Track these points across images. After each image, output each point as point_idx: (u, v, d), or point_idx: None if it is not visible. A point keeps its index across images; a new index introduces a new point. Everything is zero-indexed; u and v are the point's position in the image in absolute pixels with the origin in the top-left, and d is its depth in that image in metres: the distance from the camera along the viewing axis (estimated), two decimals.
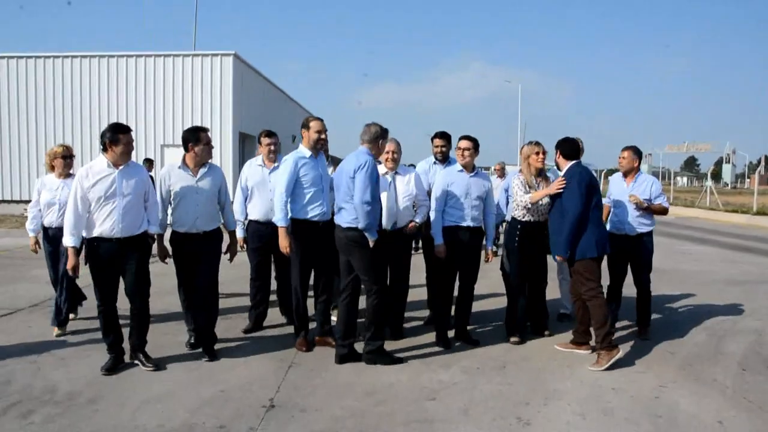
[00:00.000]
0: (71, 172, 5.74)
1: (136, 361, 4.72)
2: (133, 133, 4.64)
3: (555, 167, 5.75)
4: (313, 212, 5.07)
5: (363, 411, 3.98)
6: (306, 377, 4.59)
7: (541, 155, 5.45)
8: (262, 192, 5.80)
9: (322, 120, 5.23)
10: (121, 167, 4.53)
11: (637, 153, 5.96)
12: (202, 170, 5.00)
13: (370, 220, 4.68)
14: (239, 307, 6.58)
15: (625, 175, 5.95)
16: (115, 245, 4.52)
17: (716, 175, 52.48)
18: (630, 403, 4.19)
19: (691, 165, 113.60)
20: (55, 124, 18.32)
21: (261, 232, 5.79)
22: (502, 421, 3.86)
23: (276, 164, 5.83)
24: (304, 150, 5.18)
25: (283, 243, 5.06)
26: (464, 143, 5.48)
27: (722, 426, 3.84)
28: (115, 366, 4.62)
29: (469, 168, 5.47)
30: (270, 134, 5.95)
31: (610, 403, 4.18)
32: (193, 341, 5.21)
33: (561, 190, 5.12)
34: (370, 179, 4.65)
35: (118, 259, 4.55)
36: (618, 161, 6.02)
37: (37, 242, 5.87)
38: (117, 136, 4.48)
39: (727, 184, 56.67)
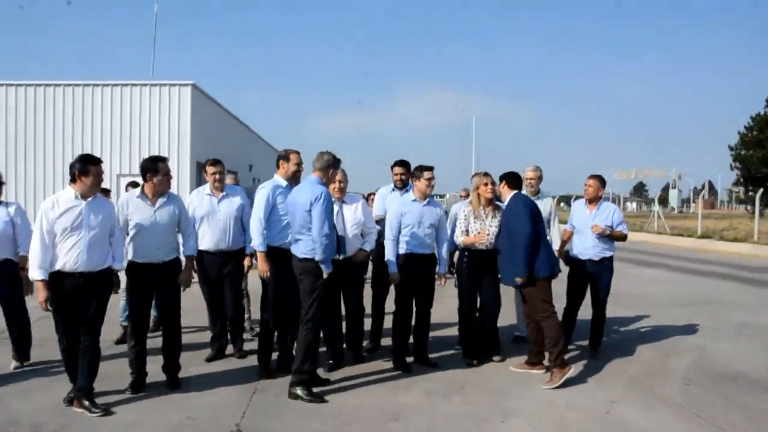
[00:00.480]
0: (1, 199, 5.50)
1: (80, 409, 4.39)
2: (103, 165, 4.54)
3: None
4: (288, 239, 5.16)
5: None
6: (271, 402, 4.68)
7: (490, 186, 5.69)
8: (212, 222, 5.80)
9: (299, 153, 5.42)
10: (89, 199, 4.44)
11: (602, 182, 6.22)
12: (161, 200, 4.98)
13: (328, 253, 4.77)
14: (202, 339, 6.55)
15: (590, 202, 6.22)
16: (78, 280, 4.38)
17: (663, 200, 54.22)
18: (583, 418, 4.42)
19: (640, 190, 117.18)
20: (7, 153, 17.90)
21: (212, 262, 5.81)
22: None
23: (224, 193, 5.88)
24: (280, 180, 5.36)
25: (263, 267, 5.18)
26: (430, 173, 5.65)
27: None
28: None
29: (423, 197, 5.69)
30: (215, 163, 5.93)
31: (565, 418, 4.40)
32: (133, 384, 4.92)
33: (484, 243, 5.55)
34: (326, 212, 4.73)
35: (80, 293, 4.41)
36: (584, 189, 6.23)
37: None
38: (87, 167, 4.39)
39: (674, 209, 58.55)
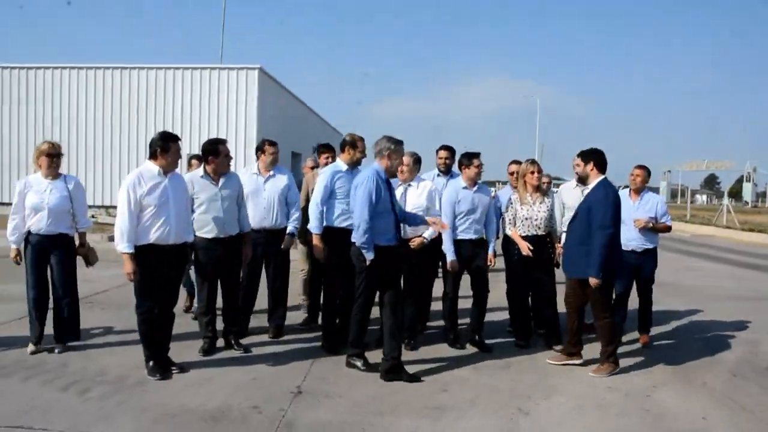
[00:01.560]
0: (60, 172, 5.36)
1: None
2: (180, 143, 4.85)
3: (576, 180, 6.09)
4: (347, 222, 5.37)
5: (382, 398, 4.46)
6: (329, 369, 5.07)
7: (536, 174, 5.83)
8: (257, 200, 5.89)
9: (364, 140, 5.63)
10: (169, 175, 4.73)
11: (649, 172, 6.24)
12: (223, 179, 5.35)
13: (367, 238, 4.77)
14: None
15: (635, 192, 6.22)
16: (167, 253, 4.65)
17: (737, 194, 52.21)
18: (622, 399, 4.61)
19: (711, 183, 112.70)
20: (78, 134, 18.78)
21: (255, 240, 5.80)
22: (504, 411, 4.31)
23: (270, 173, 6.00)
24: (341, 164, 5.63)
25: (319, 249, 5.50)
26: (479, 160, 5.86)
27: (705, 421, 4.25)
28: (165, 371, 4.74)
29: (473, 184, 5.88)
30: (273, 143, 6.07)
31: (605, 399, 4.61)
32: (206, 347, 5.34)
33: (530, 254, 5.67)
34: (368, 197, 4.75)
35: (165, 264, 4.67)
36: (632, 178, 6.20)
37: (19, 254, 5.25)
38: (168, 144, 4.66)
39: (748, 203, 56.28)
